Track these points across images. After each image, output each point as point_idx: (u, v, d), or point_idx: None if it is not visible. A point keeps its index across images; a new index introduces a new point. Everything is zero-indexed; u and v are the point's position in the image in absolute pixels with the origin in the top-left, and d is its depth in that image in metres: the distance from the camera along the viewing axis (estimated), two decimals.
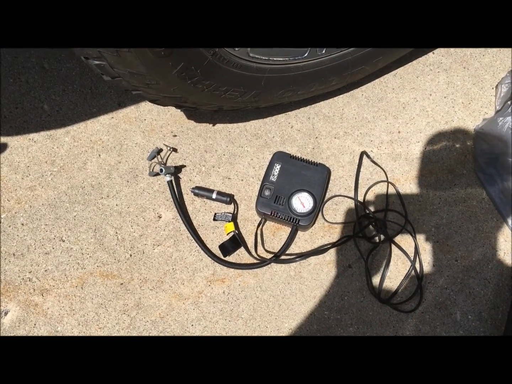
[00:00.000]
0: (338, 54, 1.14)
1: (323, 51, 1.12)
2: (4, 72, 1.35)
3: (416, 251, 1.19)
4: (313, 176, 1.20)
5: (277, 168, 1.21)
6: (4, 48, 1.37)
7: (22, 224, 1.20)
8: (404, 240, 1.20)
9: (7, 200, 1.22)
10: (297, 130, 1.32)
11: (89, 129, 1.30)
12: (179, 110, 1.32)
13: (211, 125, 1.32)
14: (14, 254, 1.17)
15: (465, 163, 1.27)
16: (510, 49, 1.36)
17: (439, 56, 1.37)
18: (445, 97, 1.33)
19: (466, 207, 1.23)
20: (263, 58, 1.05)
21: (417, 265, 1.18)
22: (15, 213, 1.21)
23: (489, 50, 1.37)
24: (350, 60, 1.17)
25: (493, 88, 1.33)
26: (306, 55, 1.11)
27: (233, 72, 1.02)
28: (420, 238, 1.20)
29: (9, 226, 1.19)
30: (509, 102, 1.22)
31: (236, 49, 0.98)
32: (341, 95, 1.35)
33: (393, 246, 1.19)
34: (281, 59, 1.08)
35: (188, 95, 1.03)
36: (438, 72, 1.36)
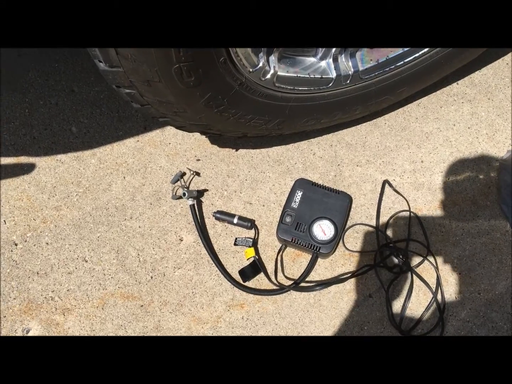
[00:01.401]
0: (362, 84, 1.16)
1: (348, 81, 1.13)
2: (34, 94, 1.39)
3: (438, 283, 1.17)
4: (335, 203, 1.20)
5: (298, 194, 1.22)
6: (34, 71, 1.42)
7: (47, 243, 1.22)
8: (426, 271, 1.19)
9: (33, 219, 1.24)
10: (319, 157, 1.33)
11: (115, 152, 1.33)
12: (203, 136, 1.34)
13: (234, 150, 1.34)
14: (37, 273, 1.19)
15: (488, 195, 1.26)
16: None
17: (463, 86, 1.38)
18: (469, 128, 1.33)
19: (489, 239, 1.22)
20: (289, 87, 1.07)
21: (439, 297, 1.17)
22: (41, 232, 1.23)
23: None
24: (374, 90, 1.18)
25: None
26: (330, 84, 1.12)
27: (259, 101, 1.04)
28: (443, 269, 1.19)
29: (34, 245, 1.22)
30: None
31: (263, 78, 1.00)
32: (364, 123, 1.36)
33: (414, 277, 1.18)
34: (306, 88, 1.10)
35: (214, 123, 1.05)
36: (462, 102, 1.36)
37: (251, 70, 0.95)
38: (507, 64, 1.39)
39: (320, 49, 1.09)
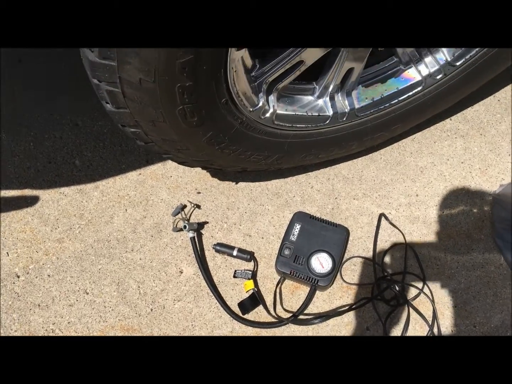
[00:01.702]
0: (358, 121, 1.20)
1: (344, 118, 1.17)
2: (39, 128, 1.43)
3: (434, 316, 1.19)
4: (332, 236, 1.23)
5: (297, 228, 1.24)
6: (39, 105, 1.46)
7: (49, 275, 1.24)
8: (422, 304, 1.21)
9: (35, 251, 1.26)
10: (317, 190, 1.36)
11: (117, 184, 1.36)
12: (204, 169, 1.38)
13: (234, 183, 1.37)
14: (39, 305, 1.20)
15: (482, 228, 1.29)
16: None
17: (456, 122, 1.42)
18: (462, 163, 1.37)
19: (484, 272, 1.24)
20: (287, 125, 1.10)
21: (435, 330, 1.18)
22: (43, 264, 1.25)
23: (506, 118, 1.42)
24: (370, 127, 1.22)
25: (509, 155, 1.37)
26: (328, 122, 1.16)
27: (259, 138, 1.07)
28: (439, 302, 1.21)
29: (36, 277, 1.23)
30: None
31: (262, 117, 1.04)
32: (360, 158, 1.39)
33: (411, 310, 1.20)
34: (304, 125, 1.13)
35: (215, 159, 1.09)
36: (455, 138, 1.40)
37: (251, 109, 0.99)
38: (498, 100, 1.44)
39: (318, 87, 1.14)
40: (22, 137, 1.41)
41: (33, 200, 1.33)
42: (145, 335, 1.18)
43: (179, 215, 1.31)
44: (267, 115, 1.04)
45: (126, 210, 1.33)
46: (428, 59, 1.15)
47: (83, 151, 1.40)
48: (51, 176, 1.36)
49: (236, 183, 1.37)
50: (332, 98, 1.15)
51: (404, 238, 1.27)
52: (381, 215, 1.31)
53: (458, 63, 1.13)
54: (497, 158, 1.37)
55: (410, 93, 1.19)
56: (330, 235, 1.23)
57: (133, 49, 0.71)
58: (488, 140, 1.40)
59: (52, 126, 1.43)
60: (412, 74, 1.17)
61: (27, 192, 1.34)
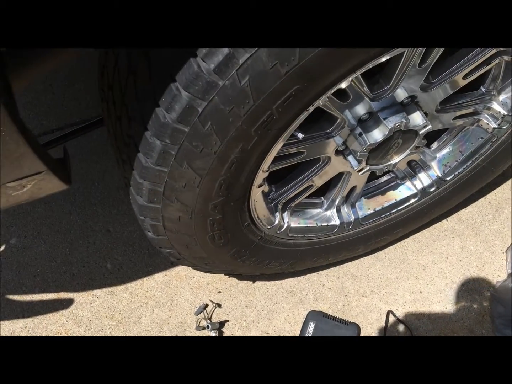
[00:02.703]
0: (362, 228, 1.34)
1: (350, 227, 1.32)
2: (75, 234, 1.58)
3: None
4: (345, 334, 1.33)
5: (311, 326, 1.34)
6: (74, 213, 1.62)
7: None
8: None
9: None
10: (328, 288, 1.48)
11: (145, 286, 1.49)
12: None
13: (252, 282, 1.49)
14: None
15: (483, 323, 1.39)
16: None
17: (452, 223, 1.56)
18: (460, 260, 1.49)
19: None
20: (300, 235, 1.25)
21: None
22: None
23: (497, 218, 1.56)
24: (373, 232, 1.37)
25: (503, 252, 1.49)
26: (335, 230, 1.30)
27: (275, 249, 1.22)
28: None
29: None
30: None
31: (278, 232, 1.19)
32: (366, 257, 1.52)
33: None
34: (314, 235, 1.28)
35: (237, 268, 1.22)
36: (453, 237, 1.54)
37: (269, 227, 1.14)
38: (489, 202, 1.59)
39: (326, 201, 1.29)
40: (59, 243, 1.56)
41: (68, 303, 1.46)
42: None
43: (202, 314, 1.43)
44: (282, 229, 1.19)
45: (153, 310, 1.45)
46: (422, 175, 1.31)
47: (114, 255, 1.54)
48: (85, 279, 1.50)
49: (254, 282, 1.50)
50: (338, 210, 1.30)
51: (411, 333, 1.37)
52: (389, 312, 1.42)
53: (448, 178, 1.30)
54: (492, 256, 1.50)
55: (408, 203, 1.34)
56: (343, 333, 1.33)
57: (175, 195, 0.87)
58: (482, 239, 1.53)
59: (86, 232, 1.59)
60: (408, 188, 1.33)
61: (63, 295, 1.47)
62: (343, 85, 0.85)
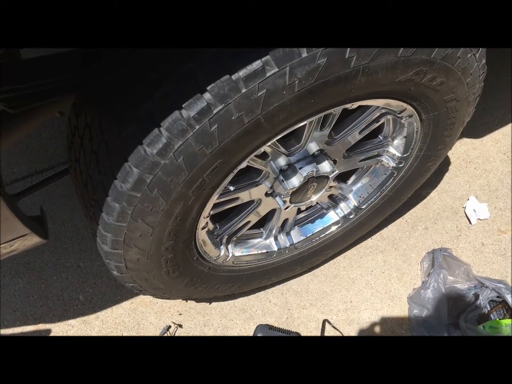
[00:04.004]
0: (298, 252, 1.60)
1: (287, 251, 1.57)
2: (48, 271, 1.78)
3: None
4: None
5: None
6: (48, 252, 1.81)
7: None
8: None
9: None
10: (274, 304, 1.72)
11: (114, 313, 1.70)
12: None
13: (208, 303, 1.72)
14: None
15: (403, 325, 1.66)
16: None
17: (376, 240, 1.84)
18: (383, 273, 1.77)
19: None
20: (244, 262, 1.49)
21: None
22: None
23: (413, 234, 1.85)
24: (307, 254, 1.62)
25: (418, 264, 1.78)
26: (274, 255, 1.55)
27: (223, 275, 1.45)
28: None
29: None
30: (427, 278, 1.65)
31: (225, 262, 1.43)
32: (305, 274, 1.78)
33: None
34: (256, 260, 1.52)
35: (192, 294, 1.46)
36: (376, 253, 1.82)
37: (215, 258, 1.38)
38: (406, 221, 1.88)
39: (264, 231, 1.54)
40: (35, 281, 1.76)
41: (46, 333, 1.65)
42: None
43: (166, 334, 1.65)
44: (228, 259, 1.43)
45: (122, 334, 1.65)
46: (342, 205, 1.58)
47: (85, 288, 1.75)
48: (60, 311, 1.69)
49: (210, 303, 1.73)
50: (276, 238, 1.55)
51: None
52: (325, 320, 1.67)
53: (363, 207, 1.57)
54: (409, 267, 1.78)
55: (333, 228, 1.60)
56: None
57: (133, 242, 1.09)
58: (401, 253, 1.81)
59: (59, 268, 1.78)
60: (332, 216, 1.60)
61: (41, 326, 1.67)
62: (262, 149, 1.10)
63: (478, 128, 2.05)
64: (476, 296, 1.58)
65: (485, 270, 1.73)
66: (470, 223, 1.84)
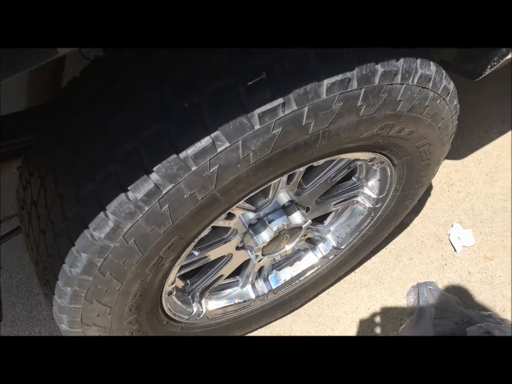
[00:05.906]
0: (277, 297, 1.53)
1: (266, 297, 1.50)
2: (20, 326, 1.70)
3: None
4: None
5: None
6: (19, 305, 1.74)
7: None
8: None
9: None
10: None
11: None
12: None
13: None
14: None
15: None
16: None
17: (360, 274, 1.78)
18: (368, 309, 1.71)
19: None
20: (220, 314, 1.42)
21: None
22: None
23: (397, 265, 1.78)
24: (287, 298, 1.56)
25: (404, 297, 1.72)
26: (252, 303, 1.49)
27: (198, 331, 1.38)
28: None
29: None
30: (413, 315, 1.59)
31: (198, 318, 1.36)
32: (288, 315, 1.71)
33: None
34: (233, 310, 1.46)
35: None
36: (361, 287, 1.75)
37: (187, 317, 1.31)
38: (389, 252, 1.82)
39: (241, 279, 1.47)
40: (6, 335, 1.68)
41: None
42: None
43: None
44: (202, 315, 1.36)
45: None
46: (321, 246, 1.52)
47: None
48: None
49: None
50: (253, 285, 1.49)
51: None
52: None
53: (342, 247, 1.50)
54: (395, 301, 1.72)
55: (313, 270, 1.54)
56: None
57: (91, 322, 1.02)
58: (386, 286, 1.75)
59: (31, 322, 1.71)
60: (311, 258, 1.53)
61: None
62: (225, 215, 1.03)
63: (459, 148, 1.99)
64: (464, 334, 1.52)
65: (472, 302, 1.68)
66: (455, 250, 1.78)
